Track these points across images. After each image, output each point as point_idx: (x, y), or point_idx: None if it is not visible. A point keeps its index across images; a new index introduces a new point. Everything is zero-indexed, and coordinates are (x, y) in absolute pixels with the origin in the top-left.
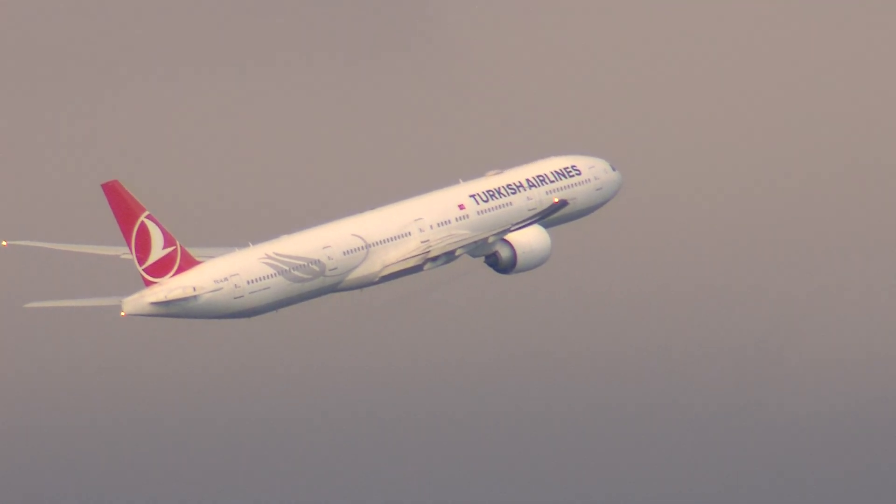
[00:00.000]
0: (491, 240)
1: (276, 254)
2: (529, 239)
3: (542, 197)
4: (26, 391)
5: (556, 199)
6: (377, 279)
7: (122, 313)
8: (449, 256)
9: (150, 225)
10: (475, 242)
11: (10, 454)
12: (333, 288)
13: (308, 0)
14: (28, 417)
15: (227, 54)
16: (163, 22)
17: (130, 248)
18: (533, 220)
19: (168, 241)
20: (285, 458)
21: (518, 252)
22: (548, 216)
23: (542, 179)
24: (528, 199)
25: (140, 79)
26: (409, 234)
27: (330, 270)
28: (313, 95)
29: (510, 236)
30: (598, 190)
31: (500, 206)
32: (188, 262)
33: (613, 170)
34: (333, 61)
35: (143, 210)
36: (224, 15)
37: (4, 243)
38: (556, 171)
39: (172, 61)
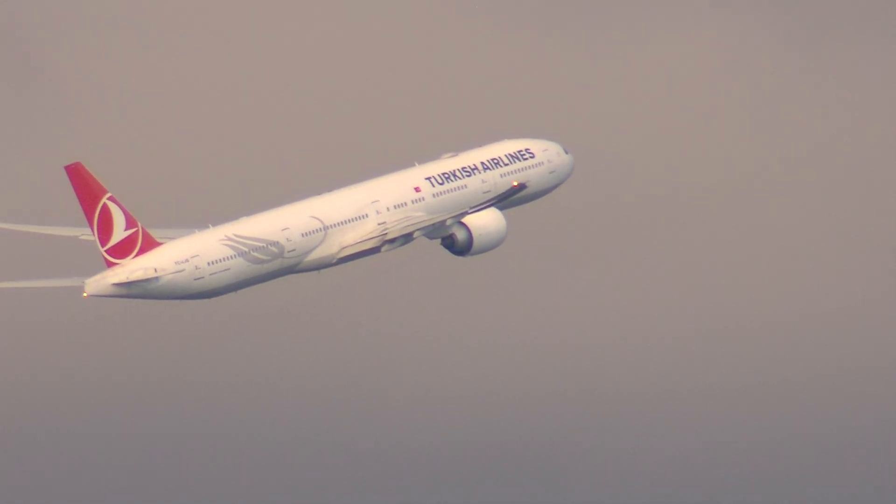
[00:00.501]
0: (449, 222)
1: (236, 235)
2: (485, 221)
3: (497, 180)
4: None
5: (515, 183)
6: (334, 261)
7: (85, 294)
8: (406, 238)
9: (112, 206)
10: (433, 225)
11: None
12: (291, 269)
13: None
14: None
15: (189, 34)
16: (123, 3)
17: (93, 230)
18: (491, 202)
19: (130, 222)
20: (244, 439)
21: (474, 234)
22: (506, 199)
23: (496, 162)
24: (483, 181)
25: (99, 59)
26: (367, 216)
27: (288, 252)
28: (272, 78)
29: (466, 219)
30: (551, 173)
31: (455, 188)
32: (149, 244)
33: (566, 153)
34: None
35: (105, 192)
36: None
37: None
38: (509, 154)
39: (132, 42)
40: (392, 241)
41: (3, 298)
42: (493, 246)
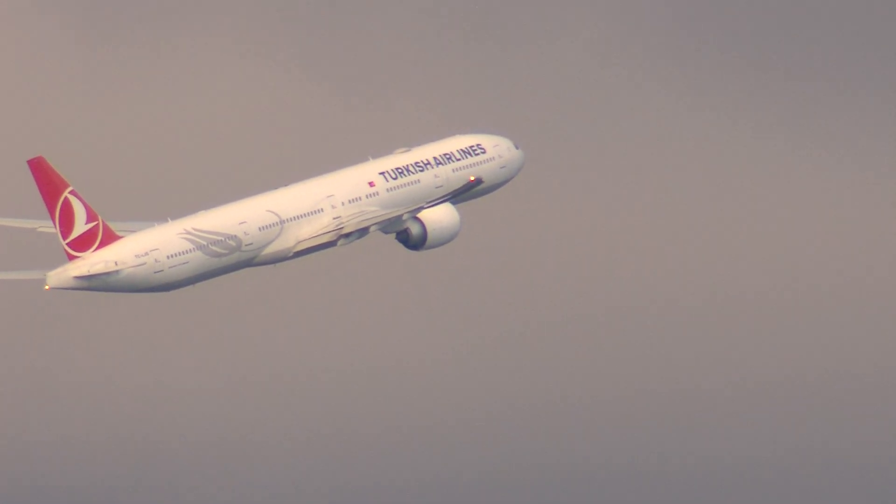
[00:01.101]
0: (405, 217)
1: (195, 229)
2: (440, 216)
3: (449, 174)
4: None
5: (472, 178)
6: (291, 254)
7: (47, 287)
8: (362, 233)
9: (74, 200)
10: (389, 220)
11: None
12: (248, 262)
13: None
14: None
15: (146, 29)
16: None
17: (55, 223)
18: (447, 197)
19: (90, 216)
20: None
21: (428, 229)
22: (462, 194)
23: (448, 157)
24: (436, 176)
25: (59, 54)
26: (322, 210)
27: (246, 245)
28: (228, 73)
29: (421, 213)
30: (502, 168)
31: (408, 183)
32: (109, 237)
33: (517, 148)
34: (243, 40)
35: (66, 186)
36: None
37: None
38: (461, 150)
39: (90, 37)
40: (348, 235)
41: None
42: (447, 240)
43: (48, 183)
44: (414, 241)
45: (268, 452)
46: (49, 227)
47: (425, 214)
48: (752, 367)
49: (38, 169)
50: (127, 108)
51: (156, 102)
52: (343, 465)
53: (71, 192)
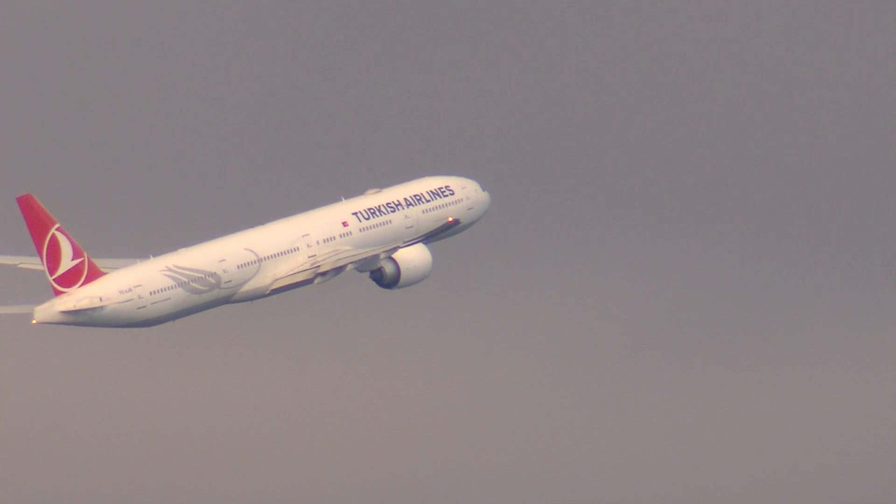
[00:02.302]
0: (382, 256)
1: (176, 266)
2: (412, 255)
3: (419, 216)
4: None
5: (451, 219)
6: (268, 292)
7: (34, 321)
8: (338, 271)
9: (60, 237)
10: (366, 259)
11: None
12: (227, 299)
13: None
14: None
15: (130, 68)
16: (71, 29)
17: (42, 259)
18: (423, 237)
19: (76, 252)
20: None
21: (402, 268)
22: (439, 234)
23: (418, 199)
24: (406, 217)
25: (48, 90)
26: (298, 249)
27: (225, 283)
28: (205, 114)
29: (395, 253)
30: (469, 209)
31: (380, 223)
32: (94, 273)
33: (483, 190)
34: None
35: (54, 223)
36: (136, 21)
37: None
38: (431, 191)
39: (72, 75)
40: (324, 273)
41: None
42: (419, 279)
43: (36, 220)
44: (388, 280)
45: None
46: (30, 263)
47: (399, 254)
48: None
49: (27, 206)
50: (110, 148)
51: (136, 143)
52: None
53: (58, 229)
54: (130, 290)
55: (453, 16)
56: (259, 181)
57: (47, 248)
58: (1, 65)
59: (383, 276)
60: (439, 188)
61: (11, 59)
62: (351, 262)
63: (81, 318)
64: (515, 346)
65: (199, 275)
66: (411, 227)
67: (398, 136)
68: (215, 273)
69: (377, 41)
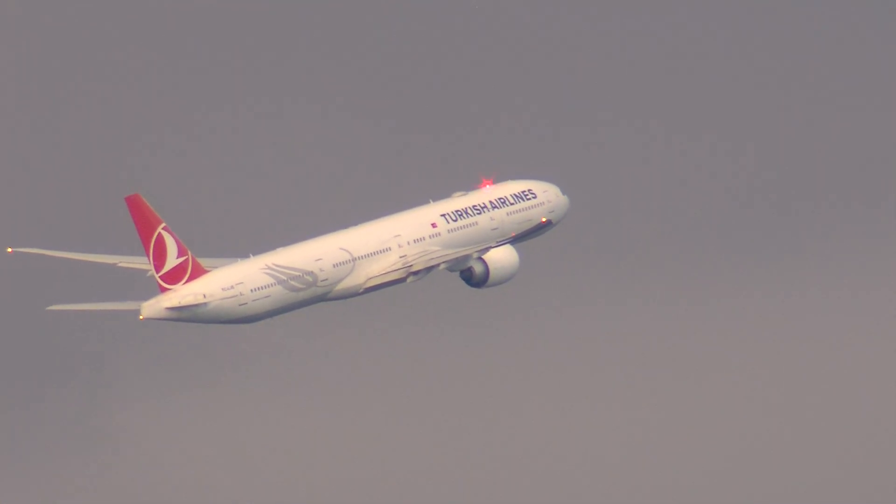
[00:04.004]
0: (474, 255)
1: (275, 265)
2: (501, 256)
3: (504, 218)
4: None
5: (544, 219)
6: (361, 290)
7: (141, 317)
8: (429, 270)
9: (166, 236)
10: (457, 259)
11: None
12: (322, 297)
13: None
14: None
15: (231, 75)
16: (180, 38)
17: (148, 257)
18: (518, 237)
19: (181, 251)
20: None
21: (491, 268)
22: (533, 234)
23: (502, 202)
24: (492, 219)
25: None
26: (389, 249)
27: (321, 281)
28: (303, 125)
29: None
30: (550, 213)
31: (467, 225)
32: (198, 271)
33: (563, 194)
34: (325, 94)
35: (160, 222)
36: (239, 31)
37: (10, 250)
38: (514, 195)
39: (179, 78)
40: (416, 272)
41: (62, 319)
42: (507, 279)
43: (143, 219)
44: (477, 279)
45: None
46: (129, 262)
47: (488, 255)
48: None
49: (135, 206)
50: (214, 152)
51: (238, 147)
52: None
53: (164, 228)
54: (232, 287)
55: (535, 25)
56: (351, 184)
57: (154, 246)
58: (108, 68)
59: (472, 276)
60: (522, 192)
61: (122, 64)
62: (444, 262)
63: (185, 314)
64: (597, 346)
65: (297, 273)
66: (496, 228)
67: (484, 142)
68: (312, 272)
69: (462, 57)
